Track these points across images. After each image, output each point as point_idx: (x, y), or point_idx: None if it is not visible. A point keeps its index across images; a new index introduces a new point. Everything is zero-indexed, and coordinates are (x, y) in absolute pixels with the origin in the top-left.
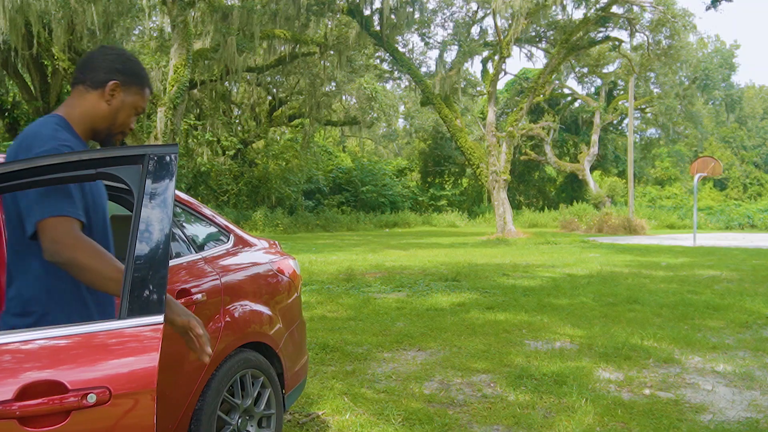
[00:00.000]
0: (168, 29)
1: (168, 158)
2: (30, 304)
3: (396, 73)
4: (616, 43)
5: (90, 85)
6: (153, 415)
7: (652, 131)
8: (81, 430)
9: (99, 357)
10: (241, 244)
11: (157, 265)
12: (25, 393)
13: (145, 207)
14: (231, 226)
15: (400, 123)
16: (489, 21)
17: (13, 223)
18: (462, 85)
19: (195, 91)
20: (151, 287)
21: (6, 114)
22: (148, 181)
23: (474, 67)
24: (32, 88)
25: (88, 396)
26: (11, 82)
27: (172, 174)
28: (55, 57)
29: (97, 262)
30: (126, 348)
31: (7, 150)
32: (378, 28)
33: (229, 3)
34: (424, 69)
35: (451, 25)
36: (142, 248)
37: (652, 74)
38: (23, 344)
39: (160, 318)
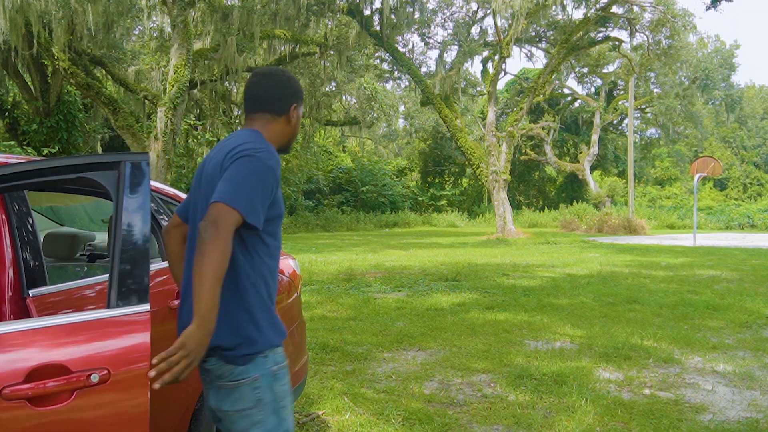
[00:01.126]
0: (168, 29)
1: (142, 164)
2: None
3: (396, 73)
4: (616, 43)
5: (276, 114)
6: (147, 393)
7: (652, 131)
8: (85, 406)
9: (97, 341)
10: None
11: (139, 260)
12: (32, 375)
13: (125, 209)
14: None
15: (400, 123)
16: (489, 21)
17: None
18: (462, 85)
19: (195, 91)
20: (135, 279)
21: (6, 114)
22: (125, 185)
23: (474, 67)
24: (32, 88)
25: (92, 376)
26: (11, 82)
27: (146, 178)
28: (55, 57)
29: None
30: (119, 332)
31: (217, 153)
32: (378, 28)
33: (229, 3)
34: (424, 69)
35: (451, 25)
36: (124, 245)
37: (652, 74)
38: (28, 331)
39: (146, 306)
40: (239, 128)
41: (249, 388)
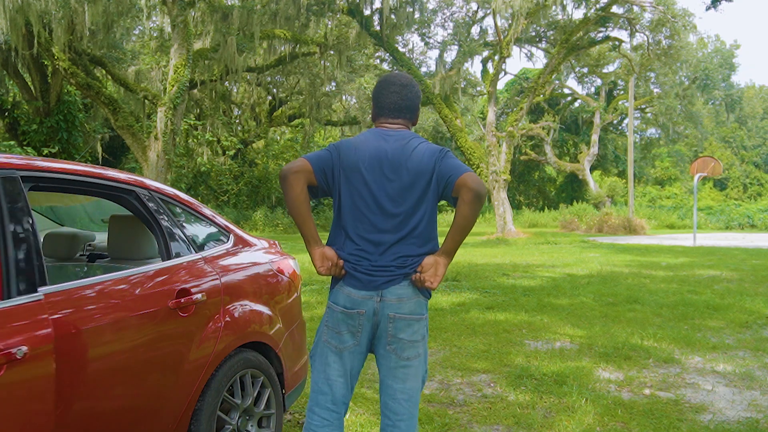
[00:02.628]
0: (168, 29)
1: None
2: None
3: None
4: (616, 43)
5: (413, 122)
6: (53, 366)
7: (652, 131)
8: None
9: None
10: (241, 244)
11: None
12: None
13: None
14: (231, 226)
15: None
16: (489, 21)
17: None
18: (462, 85)
19: (195, 91)
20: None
21: (6, 114)
22: None
23: (474, 67)
24: (32, 88)
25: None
26: (11, 82)
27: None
28: (55, 57)
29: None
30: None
31: (417, 159)
32: (378, 28)
33: (229, 3)
34: (424, 69)
35: (451, 25)
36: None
37: (652, 74)
38: None
39: (38, 294)
40: (238, 128)
41: (422, 324)
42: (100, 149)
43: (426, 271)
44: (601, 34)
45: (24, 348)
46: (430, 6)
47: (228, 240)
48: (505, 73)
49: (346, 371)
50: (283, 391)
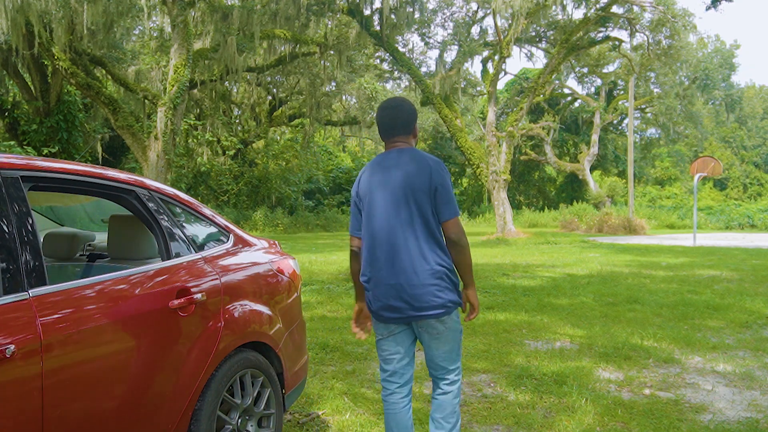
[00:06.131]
0: (168, 29)
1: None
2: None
3: (396, 73)
4: (616, 43)
5: (412, 135)
6: (40, 366)
7: (652, 131)
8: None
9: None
10: (241, 244)
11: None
12: None
13: None
14: (231, 226)
15: None
16: (489, 21)
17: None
18: (462, 85)
19: (195, 91)
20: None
21: (6, 114)
22: None
23: (474, 67)
24: (32, 88)
25: (6, 350)
26: (11, 82)
27: None
28: (56, 57)
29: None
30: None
31: (415, 169)
32: (378, 28)
33: (229, 3)
34: (424, 69)
35: (451, 25)
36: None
37: (652, 74)
38: None
39: (24, 294)
40: (238, 128)
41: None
42: (100, 149)
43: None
44: (601, 34)
45: (11, 347)
46: (430, 6)
47: (228, 240)
48: (505, 73)
49: None
50: (283, 391)
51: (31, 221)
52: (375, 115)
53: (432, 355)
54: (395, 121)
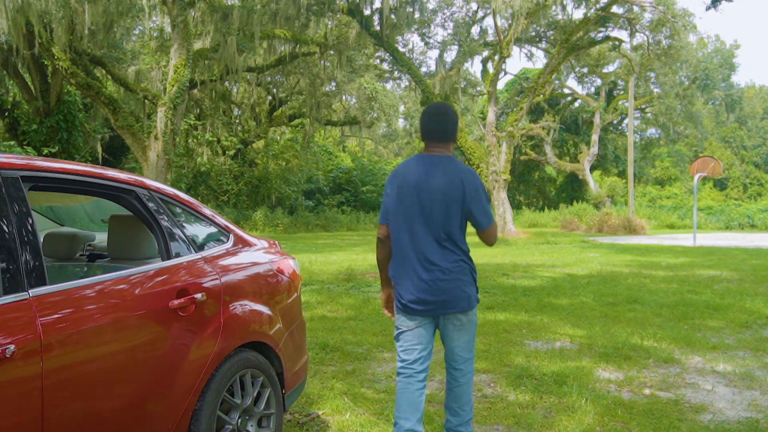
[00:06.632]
0: (168, 29)
1: None
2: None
3: (396, 73)
4: (616, 43)
5: (453, 141)
6: (40, 366)
7: (652, 131)
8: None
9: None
10: (241, 244)
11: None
12: None
13: None
14: (231, 226)
15: (400, 123)
16: (489, 21)
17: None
18: (462, 85)
19: (195, 91)
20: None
21: (6, 114)
22: None
23: (474, 67)
24: (32, 88)
25: (6, 350)
26: (11, 82)
27: None
28: (56, 57)
29: None
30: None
31: (451, 179)
32: (378, 28)
33: (229, 3)
34: (424, 69)
35: (451, 25)
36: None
37: (652, 74)
38: None
39: (24, 294)
40: (238, 128)
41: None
42: (100, 149)
43: None
44: (601, 34)
45: (12, 347)
46: (430, 6)
47: (228, 240)
48: (505, 73)
49: None
50: (283, 391)
51: (31, 221)
52: (420, 117)
53: (452, 346)
54: (442, 126)
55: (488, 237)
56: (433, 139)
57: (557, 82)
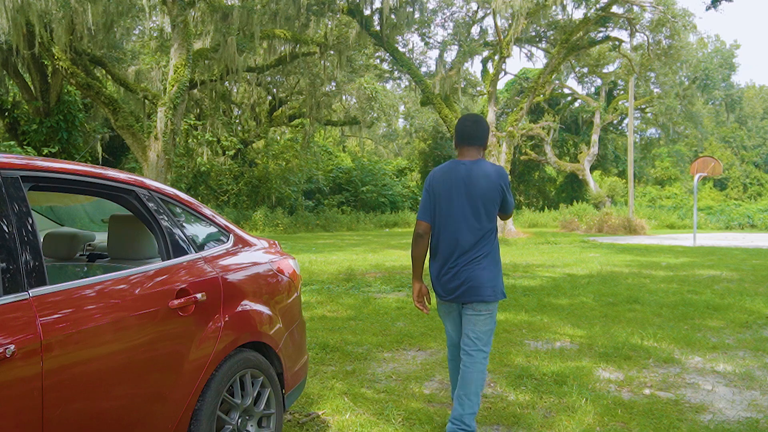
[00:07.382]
0: (168, 29)
1: None
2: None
3: (396, 73)
4: (616, 43)
5: (483, 147)
6: (40, 366)
7: (652, 131)
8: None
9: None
10: (241, 243)
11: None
12: None
13: None
14: (231, 226)
15: (400, 123)
16: (489, 21)
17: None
18: (462, 85)
19: (195, 91)
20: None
21: (6, 114)
22: None
23: (474, 67)
24: (32, 88)
25: (6, 350)
26: (11, 82)
27: None
28: (56, 57)
29: None
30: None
31: (488, 181)
32: (378, 28)
33: (229, 3)
34: (424, 69)
35: (451, 25)
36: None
37: (652, 74)
38: None
39: (24, 294)
40: (238, 128)
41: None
42: (100, 149)
43: None
44: (601, 34)
45: (12, 347)
46: (430, 6)
47: (228, 240)
48: (505, 73)
49: None
50: (283, 391)
51: (31, 221)
52: (456, 125)
53: (469, 330)
54: (478, 132)
55: (507, 216)
56: (469, 143)
57: (557, 82)
